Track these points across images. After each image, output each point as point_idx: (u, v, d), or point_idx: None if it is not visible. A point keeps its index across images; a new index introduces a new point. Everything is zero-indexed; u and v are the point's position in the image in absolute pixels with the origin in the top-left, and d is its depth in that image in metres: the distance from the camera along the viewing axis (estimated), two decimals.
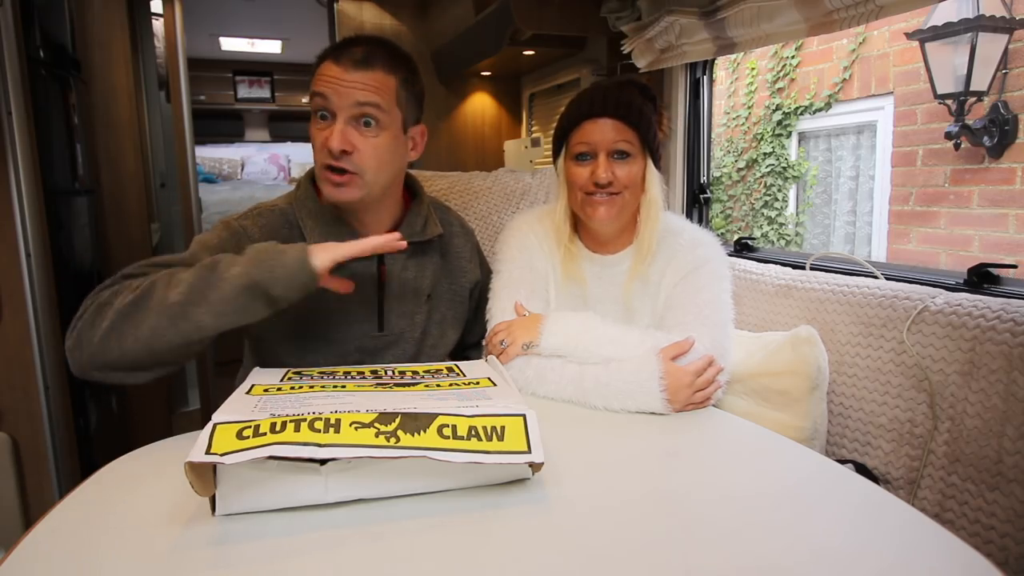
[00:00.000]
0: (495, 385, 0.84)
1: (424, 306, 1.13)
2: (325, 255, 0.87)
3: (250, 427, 0.64)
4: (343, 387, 0.82)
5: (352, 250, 0.89)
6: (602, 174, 1.08)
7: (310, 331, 1.05)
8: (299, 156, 5.66)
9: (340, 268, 1.04)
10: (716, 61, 1.85)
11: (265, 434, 0.63)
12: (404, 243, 0.94)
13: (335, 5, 2.58)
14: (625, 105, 1.08)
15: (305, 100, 5.52)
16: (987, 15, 2.56)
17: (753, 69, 4.10)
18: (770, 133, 4.00)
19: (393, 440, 0.65)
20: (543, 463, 0.69)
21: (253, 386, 0.81)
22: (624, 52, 1.79)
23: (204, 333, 0.85)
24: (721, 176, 4.35)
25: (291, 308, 1.02)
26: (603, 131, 1.08)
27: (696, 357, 1.00)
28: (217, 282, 0.84)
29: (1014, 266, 1.13)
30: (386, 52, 0.99)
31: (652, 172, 1.12)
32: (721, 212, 4.43)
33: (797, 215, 4.01)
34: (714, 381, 1.00)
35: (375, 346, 1.09)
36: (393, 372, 0.93)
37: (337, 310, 1.05)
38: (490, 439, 0.68)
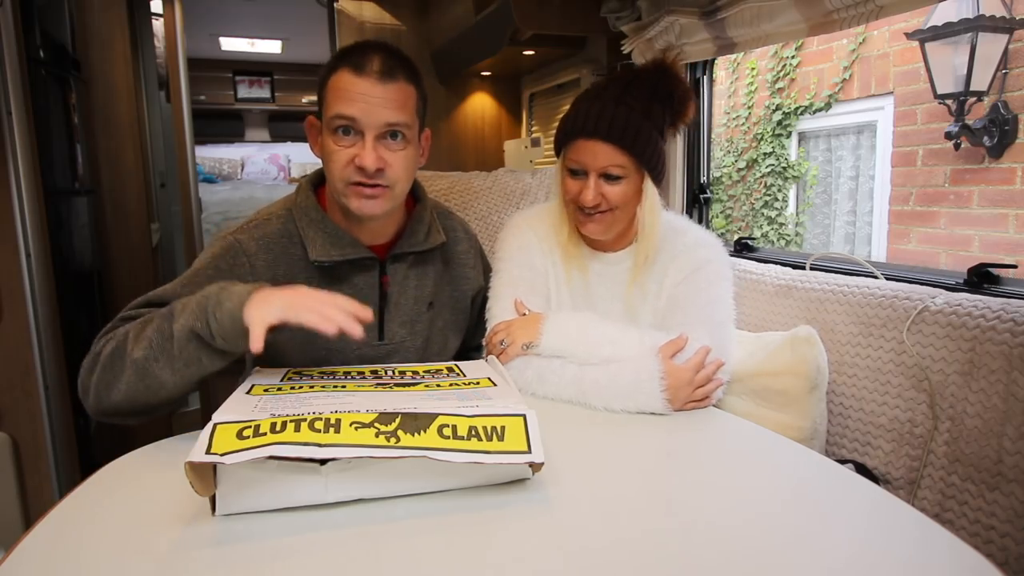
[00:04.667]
0: (495, 385, 0.84)
1: (426, 315, 1.12)
2: (259, 314, 0.77)
3: (250, 427, 0.64)
4: (343, 387, 0.82)
5: (291, 315, 0.78)
6: (589, 197, 1.05)
7: (310, 341, 1.02)
8: (299, 156, 5.65)
9: (341, 282, 1.03)
10: (716, 61, 1.85)
11: (265, 434, 0.63)
12: (359, 331, 0.80)
13: (335, 5, 2.58)
14: (620, 127, 1.02)
15: (306, 100, 5.53)
16: (987, 15, 2.56)
17: (753, 69, 4.10)
18: (770, 133, 4.00)
19: (393, 440, 0.65)
20: (543, 463, 0.69)
21: (253, 386, 0.81)
22: (624, 52, 1.79)
23: (169, 390, 0.84)
24: (721, 176, 4.35)
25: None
26: (594, 153, 1.04)
27: (692, 352, 1.00)
28: (170, 335, 0.81)
29: (1014, 266, 1.13)
30: (402, 62, 0.97)
31: (649, 188, 1.09)
32: (721, 212, 4.43)
33: (797, 215, 4.01)
34: (714, 378, 1.01)
35: (376, 355, 1.07)
36: (393, 372, 0.93)
37: None
38: (490, 439, 0.68)
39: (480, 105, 2.93)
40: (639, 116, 1.04)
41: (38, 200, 1.47)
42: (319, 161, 1.05)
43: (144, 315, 0.90)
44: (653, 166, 1.07)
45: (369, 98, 0.92)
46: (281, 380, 0.86)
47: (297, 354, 1.03)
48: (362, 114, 0.92)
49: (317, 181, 1.09)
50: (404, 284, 1.09)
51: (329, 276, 1.03)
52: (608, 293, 1.17)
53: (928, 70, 2.80)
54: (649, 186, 1.09)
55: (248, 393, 0.78)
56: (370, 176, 0.94)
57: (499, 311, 1.14)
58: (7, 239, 1.42)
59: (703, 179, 1.86)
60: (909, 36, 2.84)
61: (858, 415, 1.15)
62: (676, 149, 1.83)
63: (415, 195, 1.13)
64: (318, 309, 0.79)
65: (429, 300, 1.12)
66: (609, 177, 1.06)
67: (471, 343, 1.29)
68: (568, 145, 1.08)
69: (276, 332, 0.98)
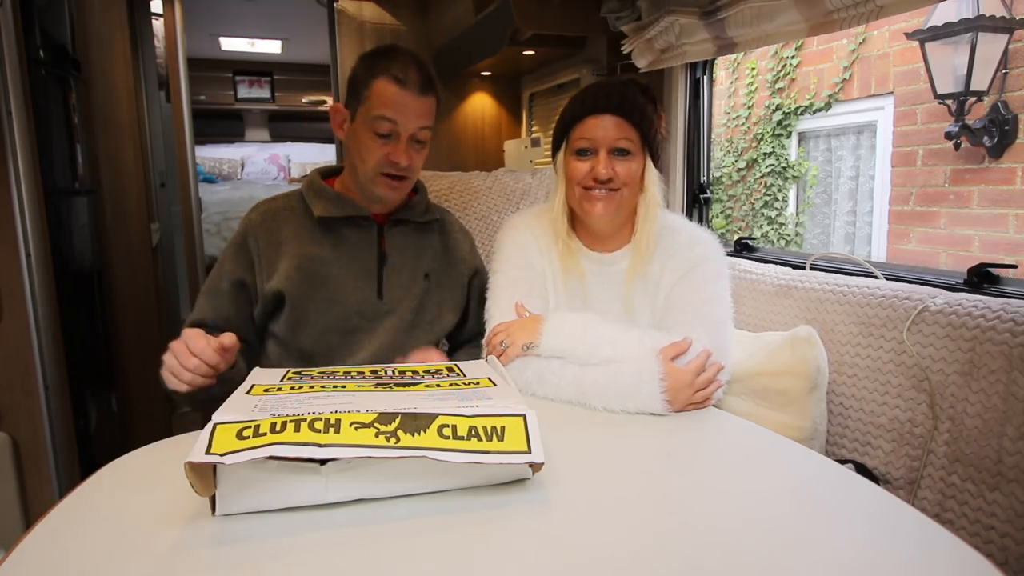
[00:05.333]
0: (495, 385, 0.84)
1: (422, 282, 1.21)
2: (173, 384, 0.94)
3: (250, 427, 0.64)
4: (343, 387, 0.82)
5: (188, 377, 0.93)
6: (602, 170, 1.08)
7: (314, 291, 1.14)
8: (299, 156, 5.65)
9: (342, 239, 1.18)
10: (716, 61, 1.85)
11: (265, 434, 0.63)
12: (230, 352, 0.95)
13: (335, 5, 2.58)
14: (629, 103, 1.09)
15: (306, 100, 5.53)
16: (987, 15, 2.56)
17: (753, 69, 4.10)
18: (770, 133, 4.00)
19: (393, 440, 0.65)
20: (543, 463, 0.69)
21: (253, 386, 0.81)
22: (624, 52, 1.79)
23: (191, 403, 1.01)
24: (721, 176, 4.35)
25: (298, 270, 1.15)
26: (605, 127, 1.09)
27: (694, 356, 1.00)
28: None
29: (1014, 266, 1.13)
30: (431, 76, 1.14)
31: (651, 171, 1.13)
32: (721, 212, 4.43)
33: (797, 215, 4.01)
34: (714, 380, 1.00)
35: (374, 312, 1.18)
36: (393, 372, 0.93)
37: (340, 275, 1.16)
38: (490, 439, 0.68)
39: (480, 105, 2.93)
40: (644, 98, 1.11)
41: (38, 200, 1.47)
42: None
43: (195, 320, 1.14)
44: (655, 149, 1.13)
45: (410, 108, 1.11)
46: (281, 380, 0.86)
47: (302, 300, 1.14)
48: (403, 119, 1.11)
49: (325, 173, 1.25)
50: (403, 251, 1.22)
51: (331, 233, 1.18)
52: (606, 293, 1.17)
53: (928, 70, 2.80)
54: (652, 170, 1.13)
55: (248, 393, 0.78)
56: (400, 170, 1.13)
57: (498, 312, 1.14)
58: (7, 239, 1.42)
59: (703, 179, 1.86)
60: (909, 36, 2.84)
61: (858, 415, 1.15)
62: (676, 149, 1.83)
63: (415, 187, 1.28)
64: (177, 369, 0.93)
65: (425, 271, 1.24)
66: (618, 152, 1.10)
67: (465, 331, 1.33)
68: (575, 126, 1.12)
69: (285, 279, 1.14)
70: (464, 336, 1.34)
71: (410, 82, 1.10)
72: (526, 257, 1.19)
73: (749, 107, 4.14)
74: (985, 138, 2.73)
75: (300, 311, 1.14)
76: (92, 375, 1.87)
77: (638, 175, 1.12)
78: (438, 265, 1.26)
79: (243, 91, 5.37)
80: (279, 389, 0.80)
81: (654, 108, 1.13)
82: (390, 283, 1.19)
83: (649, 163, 1.12)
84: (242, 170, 5.55)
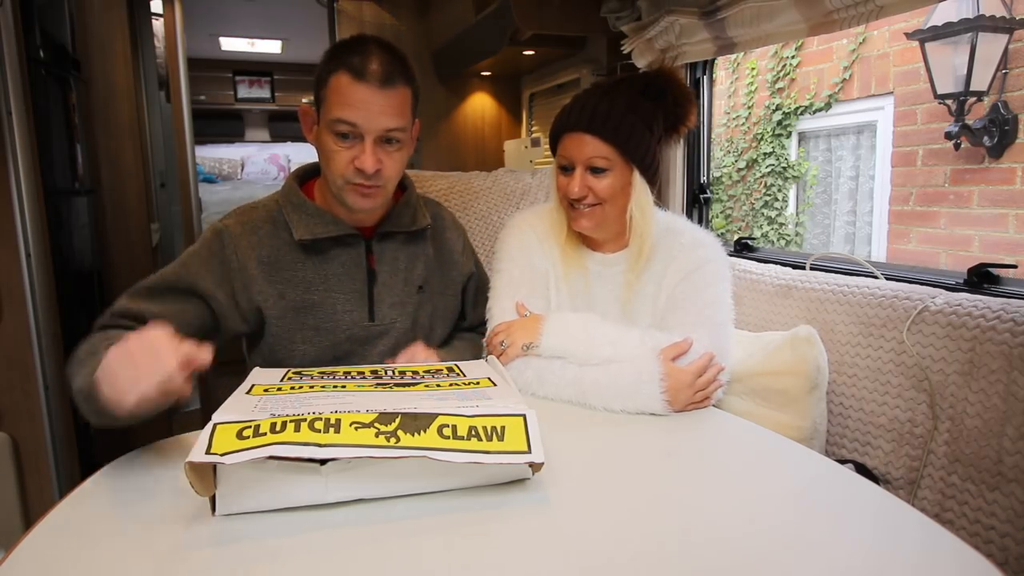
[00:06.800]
0: (495, 385, 0.84)
1: (415, 297, 1.13)
2: (116, 395, 0.71)
3: (250, 427, 0.64)
4: (343, 387, 0.82)
5: (141, 395, 0.70)
6: (575, 189, 1.08)
7: (300, 320, 1.05)
8: (299, 156, 5.64)
9: (327, 260, 1.05)
10: (716, 61, 1.85)
11: (265, 434, 0.63)
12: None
13: (335, 5, 2.58)
14: (602, 119, 1.05)
15: (306, 100, 5.53)
16: (987, 15, 2.56)
17: (753, 69, 4.10)
18: (770, 133, 4.00)
19: (393, 440, 0.65)
20: (543, 463, 0.69)
21: (253, 386, 0.81)
22: (624, 52, 1.79)
23: (102, 423, 0.78)
24: (721, 176, 4.35)
25: (281, 299, 1.03)
26: (579, 146, 1.08)
27: (696, 356, 1.00)
28: (80, 388, 0.80)
29: (1014, 266, 1.13)
30: (399, 63, 0.98)
31: (637, 181, 1.09)
32: (721, 212, 4.43)
33: (797, 215, 4.00)
34: (715, 380, 1.00)
35: (366, 335, 1.09)
36: (393, 372, 0.93)
37: (327, 300, 1.06)
38: (490, 439, 0.68)
39: (480, 105, 2.93)
40: (622, 109, 1.06)
41: (38, 200, 1.47)
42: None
43: (131, 311, 0.97)
44: (640, 159, 1.08)
45: (369, 105, 0.94)
46: (281, 380, 0.86)
47: (286, 331, 1.04)
48: (363, 120, 0.95)
49: (303, 175, 1.13)
50: (394, 265, 1.11)
51: (315, 254, 1.06)
52: (607, 294, 1.17)
53: (928, 70, 2.80)
54: (638, 182, 1.10)
55: (248, 393, 0.78)
56: (368, 178, 0.98)
57: (499, 312, 1.14)
58: (7, 239, 1.42)
59: (703, 179, 1.86)
60: (909, 36, 2.84)
61: (858, 415, 1.15)
62: (676, 149, 1.83)
63: (402, 184, 1.15)
64: (157, 372, 0.69)
65: (419, 283, 1.14)
66: (595, 170, 1.08)
67: (463, 325, 1.29)
68: (558, 142, 1.12)
69: (267, 308, 1.02)
70: (461, 328, 1.29)
71: (370, 74, 0.94)
72: (529, 257, 1.18)
73: (749, 107, 4.14)
74: (985, 138, 2.73)
75: (286, 342, 1.05)
76: None
77: (618, 189, 1.09)
78: (431, 274, 1.17)
79: (243, 91, 5.37)
80: (279, 389, 0.80)
81: (654, 108, 1.10)
82: (381, 302, 1.09)
83: (636, 174, 1.09)
84: (242, 170, 5.55)
